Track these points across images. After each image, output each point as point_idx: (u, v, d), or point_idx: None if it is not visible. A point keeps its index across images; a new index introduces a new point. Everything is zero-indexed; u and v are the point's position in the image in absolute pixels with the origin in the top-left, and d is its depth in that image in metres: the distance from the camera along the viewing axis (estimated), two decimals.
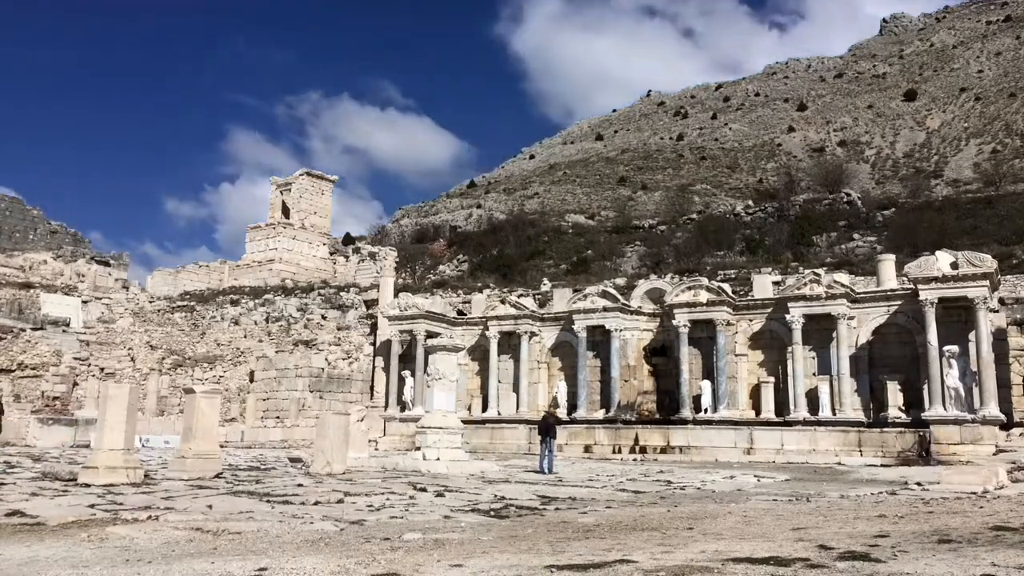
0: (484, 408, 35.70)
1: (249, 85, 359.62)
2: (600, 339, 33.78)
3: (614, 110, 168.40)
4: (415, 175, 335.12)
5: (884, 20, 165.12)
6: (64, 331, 40.92)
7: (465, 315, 38.32)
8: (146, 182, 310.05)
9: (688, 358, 31.92)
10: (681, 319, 31.79)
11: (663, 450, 30.14)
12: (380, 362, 37.88)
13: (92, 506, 10.86)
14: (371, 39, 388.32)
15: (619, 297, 33.82)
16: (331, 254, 62.71)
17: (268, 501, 12.04)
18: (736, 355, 31.74)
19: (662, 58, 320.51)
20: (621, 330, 33.33)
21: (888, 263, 30.94)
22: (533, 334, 35.72)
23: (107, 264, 57.71)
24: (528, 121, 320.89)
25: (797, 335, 29.77)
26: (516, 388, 35.41)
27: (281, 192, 61.82)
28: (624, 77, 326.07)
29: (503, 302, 36.43)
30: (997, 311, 28.29)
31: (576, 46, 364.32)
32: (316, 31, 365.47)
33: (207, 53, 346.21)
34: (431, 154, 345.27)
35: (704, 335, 31.99)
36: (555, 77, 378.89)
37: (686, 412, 31.15)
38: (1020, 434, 25.87)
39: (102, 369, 37.75)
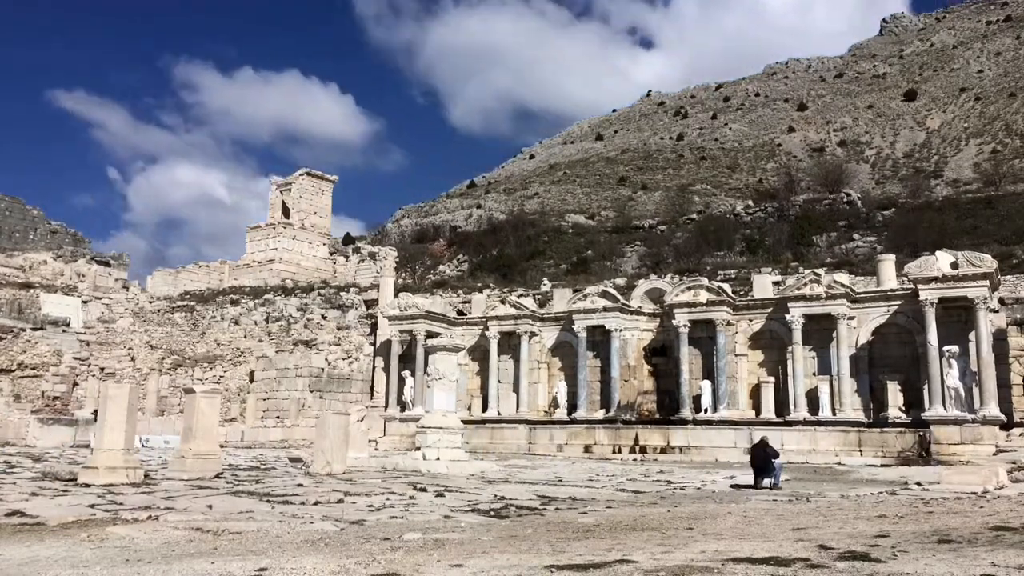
0: (484, 408, 35.69)
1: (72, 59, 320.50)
2: (600, 339, 33.77)
3: (614, 110, 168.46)
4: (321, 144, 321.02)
5: (884, 20, 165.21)
6: (64, 331, 40.95)
7: (465, 315, 38.31)
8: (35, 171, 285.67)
9: (688, 358, 31.92)
10: (681, 319, 31.79)
11: (663, 450, 30.13)
12: (380, 362, 37.87)
13: (92, 506, 10.86)
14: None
15: (619, 297, 33.81)
16: (331, 254, 62.73)
17: (268, 501, 12.04)
18: (736, 355, 31.73)
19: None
20: (621, 330, 33.33)
21: (888, 263, 30.93)
22: (533, 334, 35.72)
23: (107, 264, 57.76)
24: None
25: (797, 335, 29.77)
26: (516, 388, 35.41)
27: (281, 192, 61.83)
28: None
29: (503, 302, 36.43)
30: (997, 311, 28.27)
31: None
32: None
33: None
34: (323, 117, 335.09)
35: (704, 335, 31.99)
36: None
37: (686, 412, 31.15)
38: (1020, 434, 25.86)
39: (102, 369, 37.75)
